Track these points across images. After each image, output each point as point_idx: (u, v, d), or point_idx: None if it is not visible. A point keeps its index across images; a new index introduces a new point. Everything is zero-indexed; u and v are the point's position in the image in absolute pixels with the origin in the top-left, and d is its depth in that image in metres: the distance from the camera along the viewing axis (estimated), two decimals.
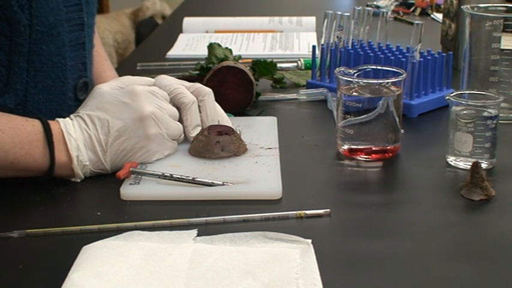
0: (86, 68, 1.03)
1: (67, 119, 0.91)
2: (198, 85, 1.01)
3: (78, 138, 0.89)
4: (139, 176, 0.89)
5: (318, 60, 1.29)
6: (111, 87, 0.93)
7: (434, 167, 0.96)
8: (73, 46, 0.99)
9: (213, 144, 0.95)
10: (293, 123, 1.16)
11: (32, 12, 0.91)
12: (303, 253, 0.72)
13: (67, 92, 0.99)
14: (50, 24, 0.94)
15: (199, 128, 0.98)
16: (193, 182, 0.87)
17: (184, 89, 0.99)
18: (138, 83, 0.95)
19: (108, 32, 3.82)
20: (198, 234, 0.75)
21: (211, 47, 1.29)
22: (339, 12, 1.26)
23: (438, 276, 0.70)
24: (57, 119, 0.91)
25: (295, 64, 1.41)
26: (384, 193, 0.92)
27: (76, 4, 0.99)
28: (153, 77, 1.00)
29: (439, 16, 1.85)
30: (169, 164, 0.93)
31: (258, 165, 0.93)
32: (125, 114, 0.90)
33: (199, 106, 0.99)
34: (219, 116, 1.01)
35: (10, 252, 0.75)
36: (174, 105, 0.97)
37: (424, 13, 2.00)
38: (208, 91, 1.01)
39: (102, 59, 1.18)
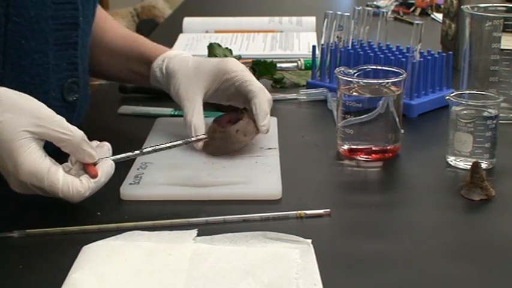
0: (77, 68, 0.98)
1: None
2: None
3: None
4: (140, 176, 0.89)
5: (318, 60, 1.29)
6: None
7: (434, 167, 0.96)
8: (60, 45, 0.94)
9: (234, 134, 0.94)
10: (293, 123, 1.16)
11: (9, 1, 0.86)
12: (303, 253, 0.72)
13: (50, 91, 0.94)
14: (31, 18, 0.89)
15: (269, 117, 0.96)
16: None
17: (251, 75, 0.98)
18: None
19: None
20: (198, 234, 0.75)
21: (211, 47, 1.29)
22: (339, 12, 1.26)
23: (438, 276, 0.70)
24: None
25: (295, 64, 1.41)
26: (383, 193, 0.92)
27: (68, 2, 0.94)
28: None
29: (439, 16, 1.85)
30: (171, 163, 0.93)
31: (258, 165, 0.93)
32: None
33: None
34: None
35: (10, 252, 0.75)
36: (239, 92, 0.97)
37: (424, 13, 2.00)
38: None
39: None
